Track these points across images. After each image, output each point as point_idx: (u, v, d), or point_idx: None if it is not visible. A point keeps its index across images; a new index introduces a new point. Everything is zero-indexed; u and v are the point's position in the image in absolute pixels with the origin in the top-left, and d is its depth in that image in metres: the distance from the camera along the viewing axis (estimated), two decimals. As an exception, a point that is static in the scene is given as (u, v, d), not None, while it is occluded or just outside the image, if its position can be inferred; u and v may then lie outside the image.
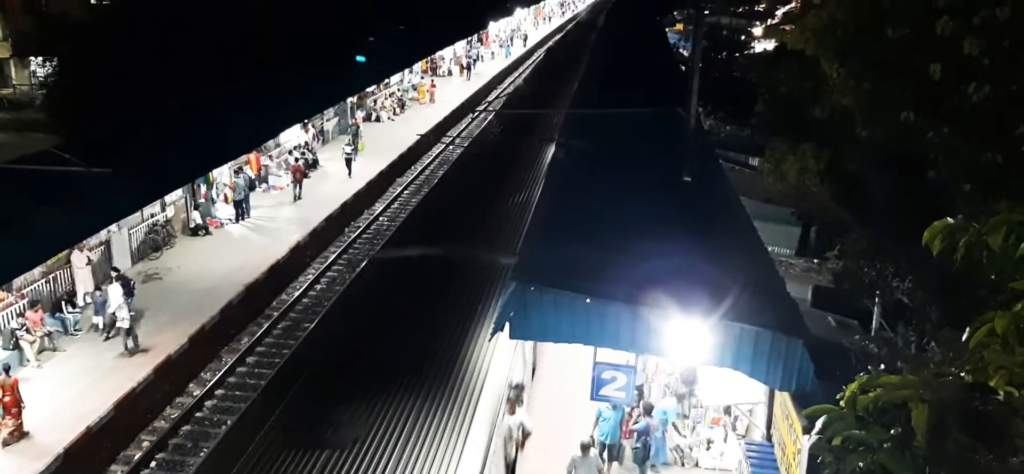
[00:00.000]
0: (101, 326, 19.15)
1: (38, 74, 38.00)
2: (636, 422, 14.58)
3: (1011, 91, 11.23)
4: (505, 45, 67.92)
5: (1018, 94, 11.19)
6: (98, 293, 19.72)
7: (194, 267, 23.20)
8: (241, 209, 27.12)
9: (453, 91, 50.46)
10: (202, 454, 16.28)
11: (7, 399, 15.44)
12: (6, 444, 15.30)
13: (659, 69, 32.56)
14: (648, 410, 14.80)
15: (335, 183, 31.52)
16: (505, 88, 54.47)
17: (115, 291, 18.63)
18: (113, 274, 20.24)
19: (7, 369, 15.95)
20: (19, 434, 15.49)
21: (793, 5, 44.30)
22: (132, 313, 18.52)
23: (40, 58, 36.65)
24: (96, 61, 28.94)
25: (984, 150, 12.06)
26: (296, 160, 31.55)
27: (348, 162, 32.64)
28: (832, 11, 15.60)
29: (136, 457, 16.34)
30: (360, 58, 39.22)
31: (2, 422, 15.38)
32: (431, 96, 48.47)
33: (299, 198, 29.61)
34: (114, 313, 18.55)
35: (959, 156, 12.87)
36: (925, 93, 12.81)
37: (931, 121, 13.16)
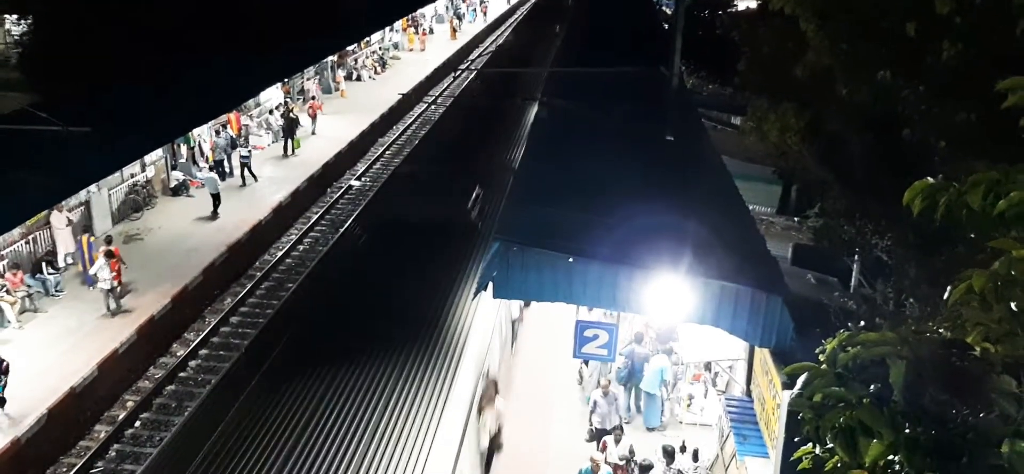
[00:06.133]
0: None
1: (13, 33, 37.26)
2: (626, 346, 14.94)
3: (984, 49, 11.28)
4: (471, 7, 62.81)
5: (990, 52, 11.24)
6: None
7: (175, 228, 23.07)
8: (222, 169, 26.91)
9: (434, 49, 50.12)
10: (186, 413, 16.31)
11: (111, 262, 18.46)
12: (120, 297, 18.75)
13: (642, 27, 32.42)
14: (639, 339, 15.25)
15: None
16: (487, 47, 54.04)
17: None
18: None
19: (108, 241, 19.44)
20: (124, 292, 18.91)
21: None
22: (113, 273, 18.40)
23: (15, 16, 35.89)
24: (73, 18, 28.39)
25: (958, 109, 12.15)
26: (313, 98, 35.05)
27: (245, 165, 27.00)
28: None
29: (120, 417, 16.36)
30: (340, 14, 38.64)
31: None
32: (421, 45, 49.40)
33: (314, 133, 32.35)
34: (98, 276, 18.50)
35: (934, 115, 12.97)
36: (901, 53, 12.86)
37: (907, 81, 13.23)
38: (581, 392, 16.07)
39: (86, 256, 19.90)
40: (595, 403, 14.59)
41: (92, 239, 20.56)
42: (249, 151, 27.92)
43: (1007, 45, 10.45)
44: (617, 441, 13.54)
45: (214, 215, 24.05)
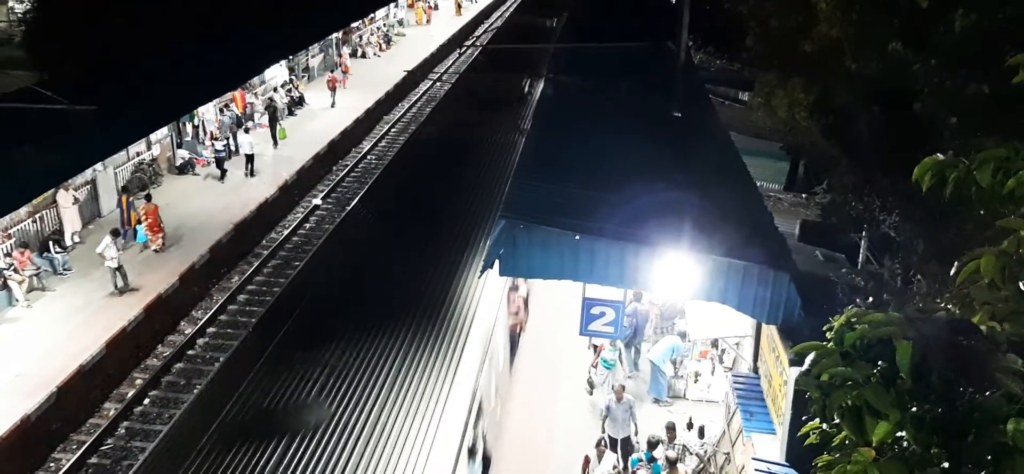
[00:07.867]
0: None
1: (16, 10, 37.23)
2: (628, 306, 14.95)
3: (997, 20, 11.13)
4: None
5: (1003, 24, 11.10)
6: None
7: (182, 206, 23.10)
8: (229, 147, 26.89)
9: (439, 25, 49.99)
10: (195, 390, 16.39)
11: (150, 220, 20.27)
12: (157, 252, 20.42)
13: (649, 2, 32.15)
14: (638, 298, 15.47)
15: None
16: (493, 23, 53.77)
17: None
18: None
19: (148, 197, 20.93)
20: (164, 247, 20.48)
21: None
22: (120, 251, 18.46)
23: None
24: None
25: (969, 82, 12.03)
26: (331, 72, 36.09)
27: (219, 161, 25.60)
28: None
29: (129, 395, 16.45)
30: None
31: (152, 238, 20.37)
32: (428, 19, 49.95)
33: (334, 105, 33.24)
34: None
35: (944, 88, 12.84)
36: (912, 24, 12.73)
37: (918, 53, 13.09)
38: (590, 400, 15.52)
39: (125, 215, 21.09)
40: (609, 409, 13.95)
41: (132, 199, 21.45)
42: (225, 144, 26.40)
43: (1020, 14, 10.32)
44: (600, 457, 12.94)
45: (250, 174, 25.68)
